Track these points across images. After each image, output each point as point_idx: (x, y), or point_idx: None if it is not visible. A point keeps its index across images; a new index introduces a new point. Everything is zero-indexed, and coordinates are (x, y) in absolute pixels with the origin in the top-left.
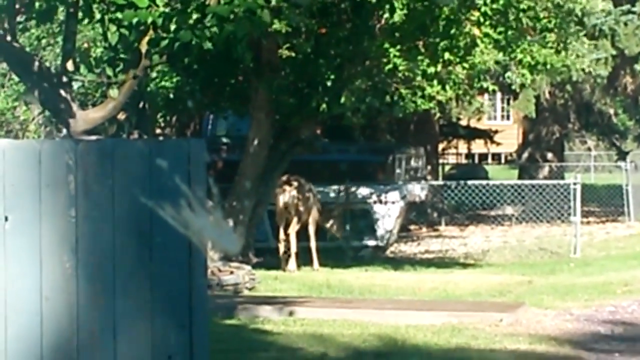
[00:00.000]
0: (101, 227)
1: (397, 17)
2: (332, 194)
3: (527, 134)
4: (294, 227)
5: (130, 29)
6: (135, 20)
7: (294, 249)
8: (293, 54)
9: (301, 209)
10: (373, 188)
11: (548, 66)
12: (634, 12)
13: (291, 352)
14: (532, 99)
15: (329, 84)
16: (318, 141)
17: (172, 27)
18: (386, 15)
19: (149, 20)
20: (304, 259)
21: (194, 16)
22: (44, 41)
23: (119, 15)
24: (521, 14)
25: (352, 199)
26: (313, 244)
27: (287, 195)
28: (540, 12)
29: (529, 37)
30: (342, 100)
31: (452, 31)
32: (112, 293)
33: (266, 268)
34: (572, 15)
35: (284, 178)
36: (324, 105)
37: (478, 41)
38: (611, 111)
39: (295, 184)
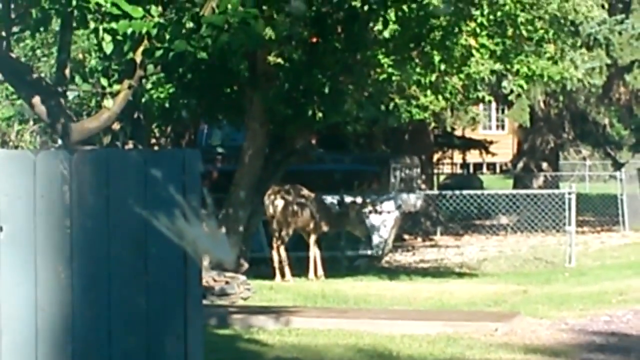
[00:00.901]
0: (96, 237)
1: (388, 32)
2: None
3: (522, 143)
4: (281, 238)
5: (124, 39)
6: (129, 30)
7: (276, 257)
8: (286, 63)
9: (289, 219)
10: (368, 197)
11: (545, 78)
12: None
13: None
14: (527, 108)
15: (324, 92)
16: (313, 151)
17: (167, 37)
18: (378, 27)
19: (144, 30)
20: (300, 268)
21: (189, 26)
22: (38, 52)
23: (113, 25)
24: (520, 26)
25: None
26: (312, 253)
27: (271, 206)
28: (537, 23)
29: (525, 47)
30: (346, 107)
31: (447, 43)
32: (107, 303)
33: (261, 278)
34: (568, 26)
35: (270, 191)
36: (319, 114)
37: (474, 51)
38: (606, 121)
39: (282, 195)
